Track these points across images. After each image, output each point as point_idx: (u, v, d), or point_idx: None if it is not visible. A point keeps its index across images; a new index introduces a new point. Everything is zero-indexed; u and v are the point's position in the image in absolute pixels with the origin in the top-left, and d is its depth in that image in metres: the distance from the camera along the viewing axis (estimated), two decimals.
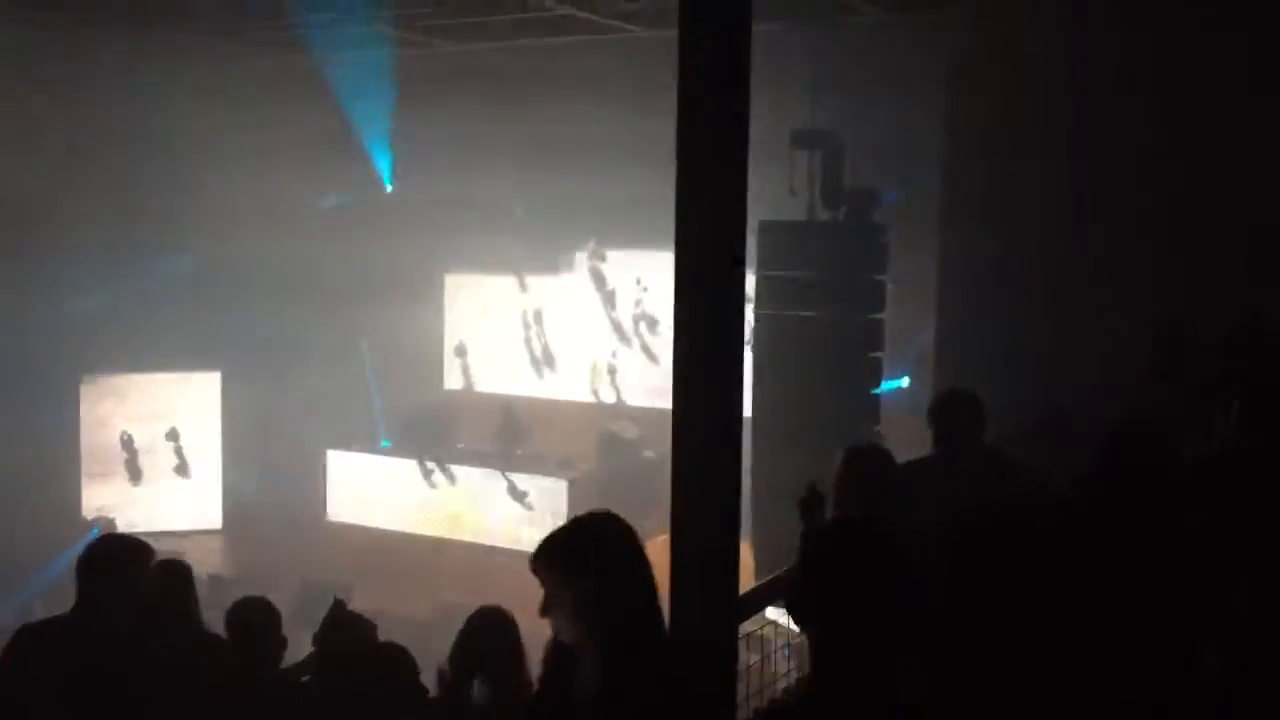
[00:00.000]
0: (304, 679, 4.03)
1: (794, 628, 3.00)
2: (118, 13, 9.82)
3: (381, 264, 14.76)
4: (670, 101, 2.74)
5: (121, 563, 3.70)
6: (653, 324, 14.27)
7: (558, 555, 2.71)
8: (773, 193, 9.00)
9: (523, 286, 15.41)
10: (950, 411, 4.65)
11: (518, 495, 12.94)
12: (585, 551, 2.70)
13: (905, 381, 9.97)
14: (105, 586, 3.64)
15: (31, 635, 3.69)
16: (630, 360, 14.59)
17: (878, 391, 8.49)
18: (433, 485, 13.52)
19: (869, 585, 2.15)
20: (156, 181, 12.23)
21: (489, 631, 3.67)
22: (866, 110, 8.87)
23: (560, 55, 10.67)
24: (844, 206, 8.73)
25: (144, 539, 3.98)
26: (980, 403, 4.65)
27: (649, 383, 14.18)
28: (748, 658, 3.38)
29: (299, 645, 4.13)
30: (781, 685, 3.76)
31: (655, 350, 14.13)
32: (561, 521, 11.20)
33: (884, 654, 2.14)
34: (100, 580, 3.65)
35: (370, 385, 14.93)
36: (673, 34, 2.76)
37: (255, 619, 4.05)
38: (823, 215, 8.77)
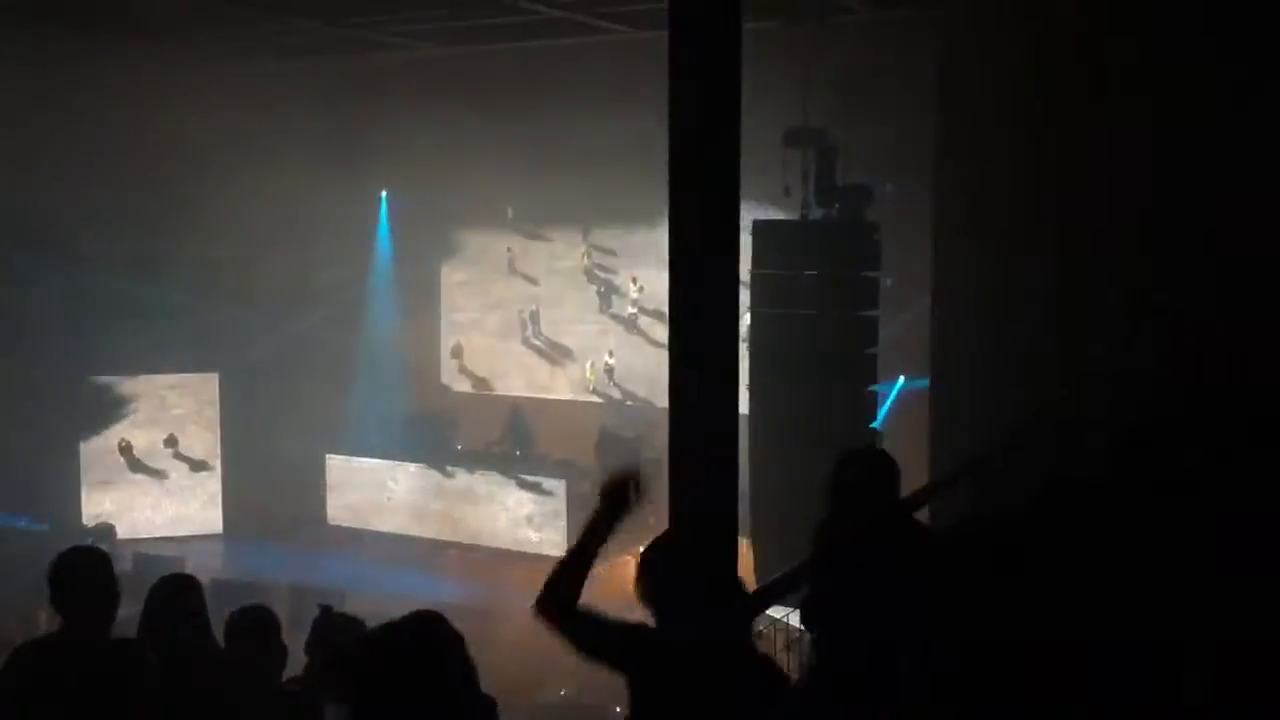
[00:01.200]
0: (301, 690, 4.03)
1: (796, 625, 3.02)
2: (116, 24, 9.83)
3: (377, 265, 14.81)
4: (662, 101, 2.76)
5: (95, 576, 3.69)
6: (649, 323, 14.29)
7: None
8: (766, 191, 9.05)
9: (519, 286, 15.43)
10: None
11: (516, 496, 12.95)
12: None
13: (902, 380, 10.03)
14: (89, 601, 3.64)
15: (30, 652, 3.68)
16: (628, 359, 14.61)
17: (881, 388, 8.50)
18: (430, 487, 13.52)
19: (879, 594, 2.17)
20: (157, 186, 12.22)
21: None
22: (859, 107, 8.90)
23: (552, 57, 10.68)
24: (837, 205, 8.75)
25: (100, 549, 3.98)
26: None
27: (647, 381, 14.21)
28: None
29: (296, 653, 4.13)
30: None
31: (652, 349, 14.15)
32: (561, 522, 11.14)
33: (888, 659, 2.16)
34: (82, 596, 3.64)
35: (367, 388, 14.94)
36: (663, 35, 2.78)
37: (255, 628, 4.05)
38: (816, 214, 8.79)
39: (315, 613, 4.20)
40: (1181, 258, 6.10)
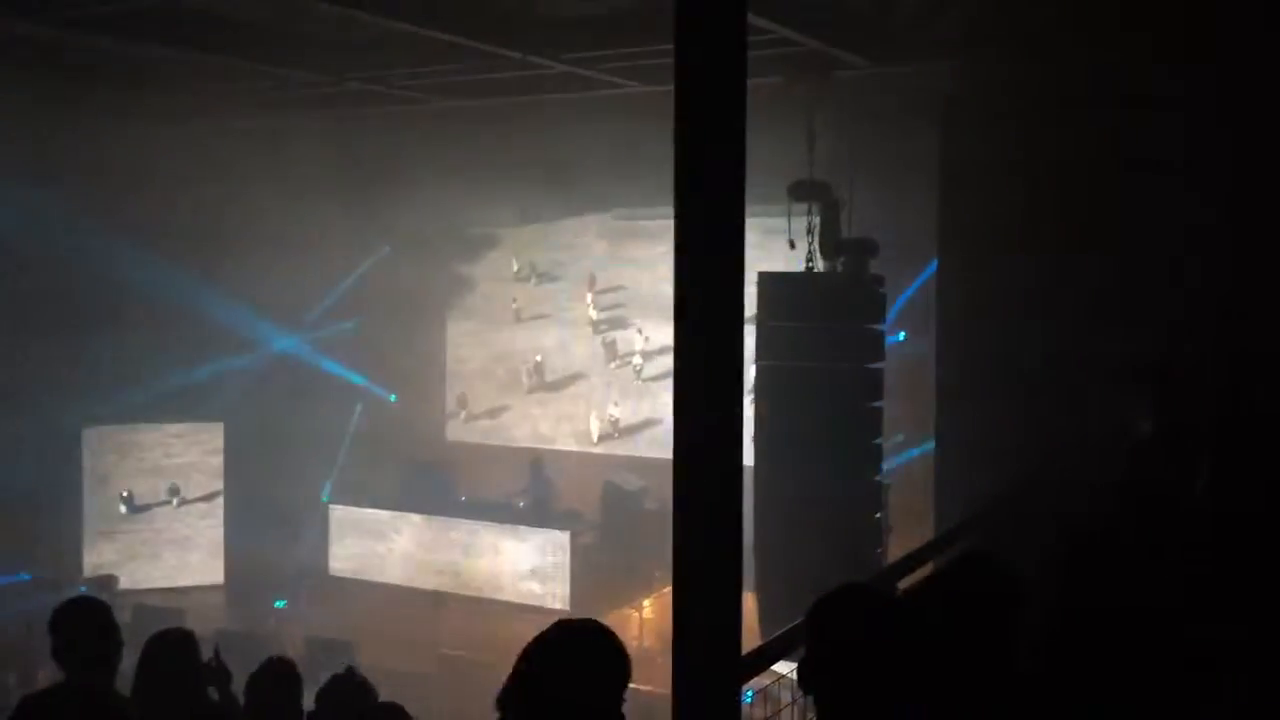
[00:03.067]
0: None
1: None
2: (118, 69, 9.94)
3: (384, 317, 14.87)
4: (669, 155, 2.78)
5: (95, 626, 3.68)
6: (655, 374, 14.31)
7: None
8: (771, 244, 9.10)
9: (524, 337, 15.48)
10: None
11: (520, 548, 12.87)
12: None
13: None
14: (89, 652, 3.62)
15: (34, 706, 3.65)
16: (633, 411, 14.60)
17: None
18: (433, 539, 13.45)
19: (877, 655, 2.17)
20: (161, 238, 12.31)
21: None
22: (863, 161, 8.98)
23: (560, 111, 10.79)
24: (842, 257, 8.80)
25: (101, 599, 3.97)
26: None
27: (652, 433, 14.19)
28: (750, 713, 3.35)
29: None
30: None
31: (658, 400, 14.15)
32: (565, 574, 11.12)
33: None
34: (82, 647, 3.62)
35: (370, 438, 14.94)
36: (669, 90, 2.81)
37: (274, 691, 4.01)
38: (821, 266, 8.83)
39: (318, 663, 4.17)
40: (1179, 293, 6.13)
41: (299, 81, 10.35)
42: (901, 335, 11.01)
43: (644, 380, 14.57)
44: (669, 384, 2.84)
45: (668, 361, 2.68)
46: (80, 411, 12.96)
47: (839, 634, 2.21)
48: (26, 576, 12.08)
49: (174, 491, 13.79)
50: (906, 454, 10.53)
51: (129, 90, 10.41)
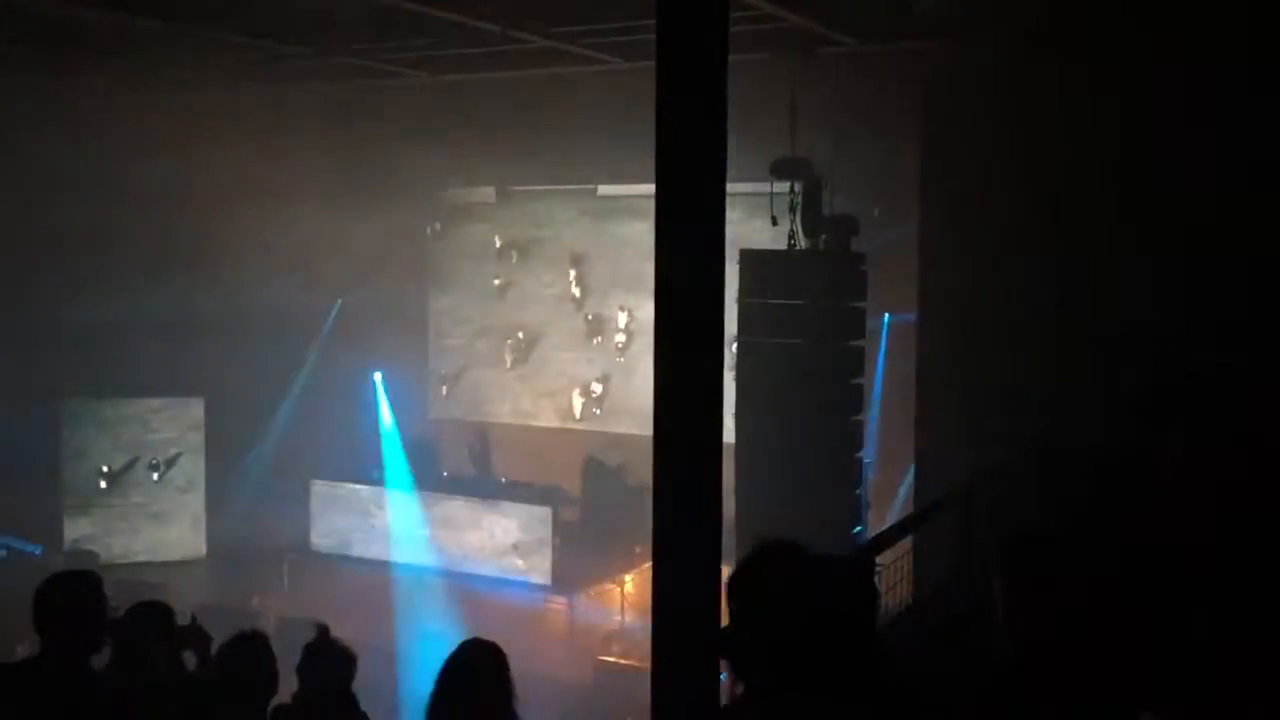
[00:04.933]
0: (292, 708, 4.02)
1: None
2: (105, 49, 9.85)
3: (364, 291, 14.82)
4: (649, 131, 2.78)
5: (77, 600, 3.65)
6: (637, 351, 14.32)
7: None
8: (753, 222, 9.11)
9: (507, 314, 15.46)
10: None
11: (502, 524, 12.89)
12: None
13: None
14: (66, 626, 3.60)
15: (1, 678, 3.64)
16: (615, 387, 14.62)
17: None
18: (415, 514, 13.45)
19: (788, 609, 2.12)
20: (144, 210, 12.21)
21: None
22: (846, 138, 8.98)
23: (542, 86, 10.74)
24: (824, 235, 8.82)
25: (93, 570, 3.97)
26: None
27: (634, 410, 14.22)
28: (731, 687, 3.38)
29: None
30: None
31: (640, 377, 14.17)
32: (547, 549, 11.15)
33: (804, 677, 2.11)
34: (60, 619, 3.60)
35: (353, 414, 14.91)
36: (652, 66, 2.80)
37: (250, 658, 4.01)
38: (803, 244, 8.85)
39: (305, 637, 4.18)
40: (1163, 280, 6.18)
41: (281, 54, 10.26)
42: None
43: (626, 357, 14.58)
44: (650, 360, 2.85)
45: (650, 338, 2.69)
46: (58, 385, 12.89)
47: (753, 593, 2.17)
48: (37, 549, 12.07)
49: (154, 466, 13.74)
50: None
51: (112, 58, 10.32)
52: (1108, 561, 3.00)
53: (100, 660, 3.80)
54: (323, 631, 4.24)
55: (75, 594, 3.67)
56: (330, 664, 4.12)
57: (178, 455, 13.80)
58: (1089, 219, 6.38)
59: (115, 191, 11.82)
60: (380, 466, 13.96)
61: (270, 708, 4.01)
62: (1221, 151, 5.97)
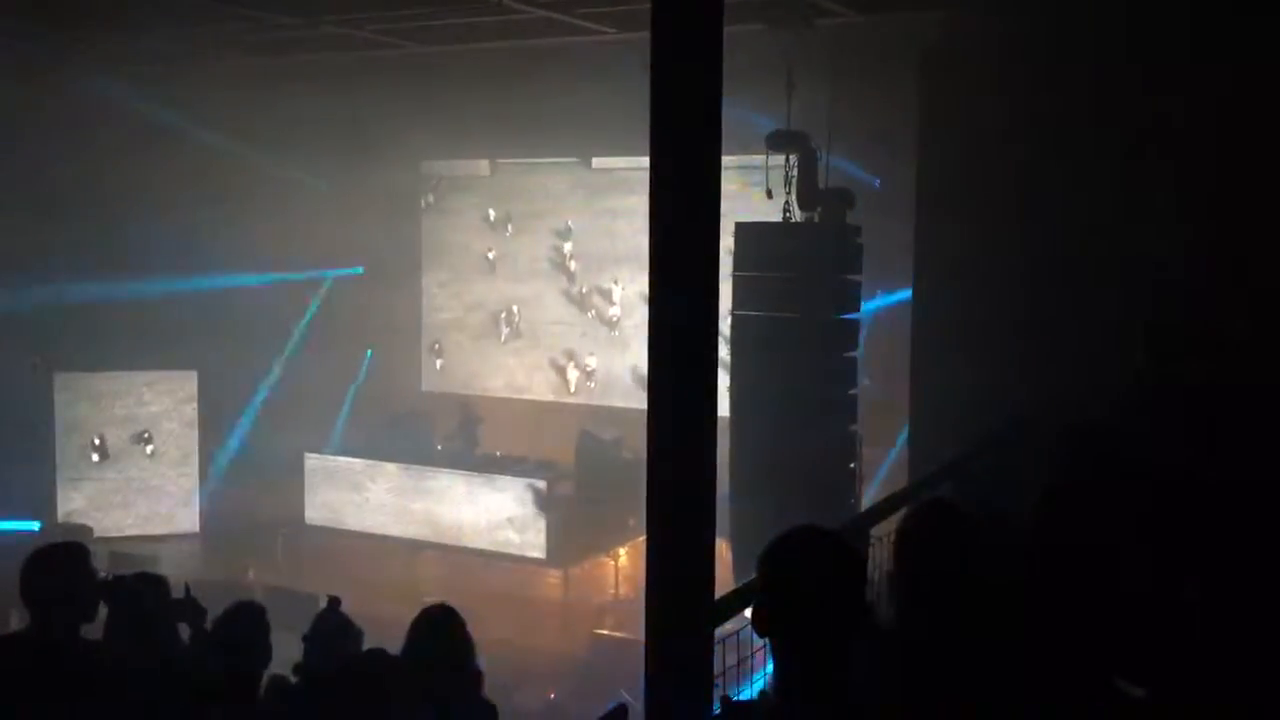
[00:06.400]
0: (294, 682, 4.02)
1: None
2: (91, 25, 9.77)
3: (360, 263, 14.78)
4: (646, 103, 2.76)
5: (64, 571, 3.66)
6: (631, 325, 14.30)
7: None
8: (749, 194, 9.08)
9: (500, 287, 15.43)
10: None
11: (497, 497, 12.91)
12: None
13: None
14: (54, 598, 3.60)
15: None
16: (609, 360, 14.61)
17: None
18: (409, 487, 13.46)
19: (824, 592, 2.19)
20: (135, 181, 12.13)
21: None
22: (842, 110, 8.93)
23: (537, 56, 10.65)
24: (819, 208, 8.79)
25: (80, 542, 3.97)
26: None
27: (627, 383, 14.22)
28: (725, 659, 3.39)
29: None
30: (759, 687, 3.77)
31: (634, 351, 14.16)
32: (542, 523, 11.14)
33: (842, 658, 2.18)
34: (48, 591, 3.61)
35: (346, 387, 14.91)
36: (646, 36, 2.78)
37: (245, 629, 4.02)
38: (798, 216, 8.82)
39: (293, 608, 4.19)
40: (1157, 254, 6.18)
41: (271, 24, 10.17)
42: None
43: (620, 330, 14.56)
44: (645, 334, 2.84)
45: (644, 312, 2.68)
46: (50, 358, 12.85)
47: (792, 575, 2.22)
48: (35, 526, 12.06)
49: (146, 439, 13.72)
50: None
51: (101, 32, 10.23)
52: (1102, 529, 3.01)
53: (95, 631, 3.81)
54: (333, 602, 4.27)
55: (62, 565, 3.67)
56: (340, 635, 4.15)
57: (170, 429, 13.78)
58: (1088, 190, 6.36)
59: (104, 163, 11.76)
60: (373, 440, 13.95)
61: (266, 678, 4.03)
62: (1221, 121, 5.96)
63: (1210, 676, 2.72)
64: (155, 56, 11.23)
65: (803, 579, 2.20)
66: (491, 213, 15.39)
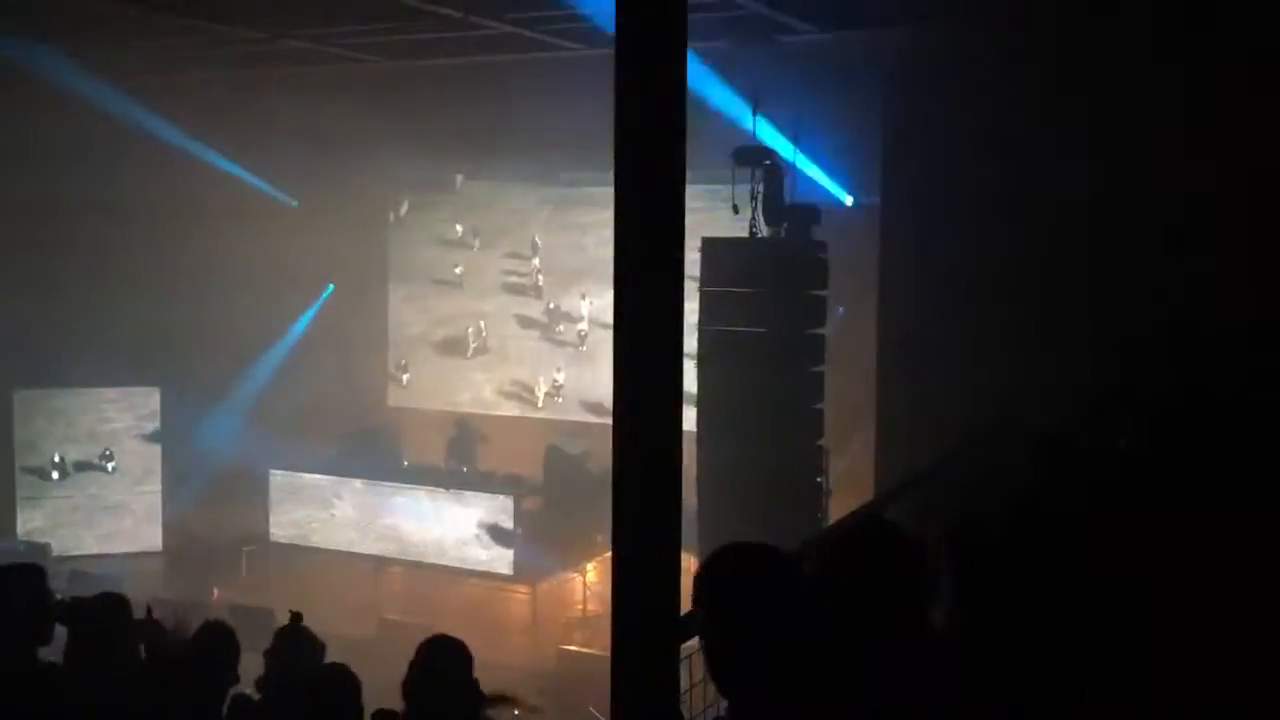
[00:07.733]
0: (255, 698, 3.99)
1: None
2: (57, 29, 9.68)
3: (325, 276, 14.69)
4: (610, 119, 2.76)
5: (18, 593, 3.61)
6: (598, 340, 14.30)
7: None
8: (715, 210, 9.11)
9: (467, 303, 15.39)
10: None
11: (463, 513, 12.84)
12: None
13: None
14: (8, 619, 3.55)
15: None
16: (576, 376, 14.60)
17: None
18: (375, 504, 13.36)
19: (768, 618, 2.10)
20: (98, 194, 12.01)
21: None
22: (807, 126, 9.01)
23: (503, 71, 10.66)
24: (785, 223, 8.84)
25: (35, 563, 3.92)
26: None
27: (595, 398, 14.21)
28: (689, 678, 3.38)
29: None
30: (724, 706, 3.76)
31: (601, 365, 14.15)
32: (509, 539, 11.07)
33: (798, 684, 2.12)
34: (2, 613, 3.56)
35: (312, 403, 14.78)
36: (611, 52, 2.78)
37: (216, 648, 3.97)
38: (764, 232, 8.86)
39: (255, 624, 4.15)
40: (1124, 257, 6.26)
41: (233, 38, 10.12)
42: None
43: (587, 345, 14.56)
44: (611, 349, 2.84)
45: (611, 327, 2.67)
46: (9, 375, 12.68)
47: (722, 598, 2.16)
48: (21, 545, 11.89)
49: (108, 457, 13.55)
50: None
51: (66, 42, 10.14)
52: (1056, 548, 3.03)
53: (55, 653, 3.75)
54: (295, 617, 4.23)
55: (15, 587, 3.62)
56: (301, 650, 4.11)
57: (132, 445, 13.61)
58: (1052, 200, 6.44)
59: (70, 174, 11.64)
60: (339, 456, 13.84)
61: (229, 696, 3.98)
62: (1189, 127, 6.06)
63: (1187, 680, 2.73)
64: (121, 68, 11.14)
65: (747, 606, 2.09)
66: (459, 228, 15.36)
